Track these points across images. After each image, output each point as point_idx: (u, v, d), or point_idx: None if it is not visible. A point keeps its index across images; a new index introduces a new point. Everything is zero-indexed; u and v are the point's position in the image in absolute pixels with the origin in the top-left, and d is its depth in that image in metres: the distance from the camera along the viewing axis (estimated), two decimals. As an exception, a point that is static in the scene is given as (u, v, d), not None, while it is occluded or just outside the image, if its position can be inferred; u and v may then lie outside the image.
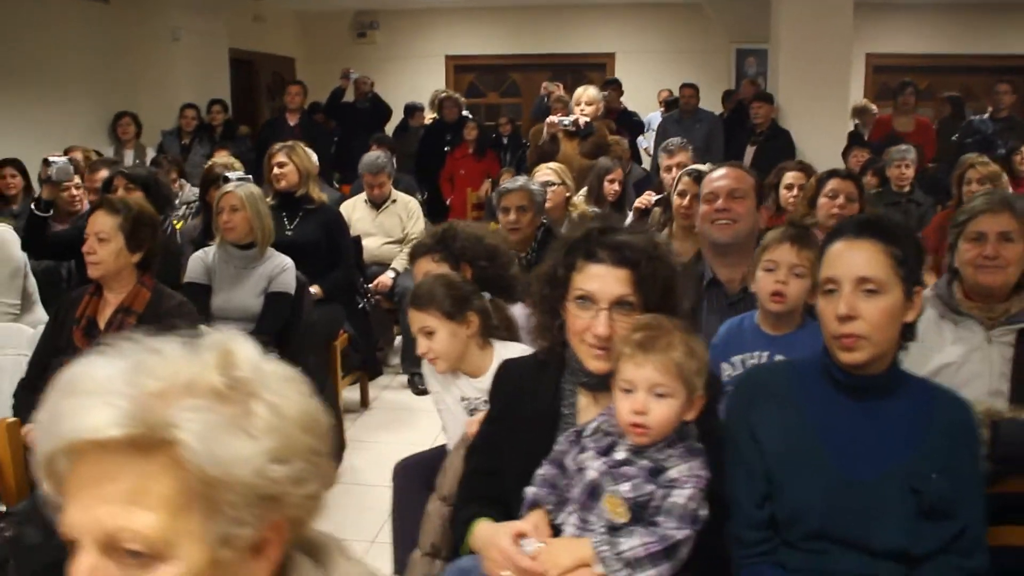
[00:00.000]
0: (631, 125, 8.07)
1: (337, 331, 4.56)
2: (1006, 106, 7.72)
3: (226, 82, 8.99)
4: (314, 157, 5.81)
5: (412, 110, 9.36)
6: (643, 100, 9.99)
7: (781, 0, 7.28)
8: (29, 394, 2.85)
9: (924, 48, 10.99)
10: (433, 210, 7.68)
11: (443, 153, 8.33)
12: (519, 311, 2.56)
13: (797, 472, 1.71)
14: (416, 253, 2.95)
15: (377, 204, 5.58)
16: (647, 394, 1.56)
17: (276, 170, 4.62)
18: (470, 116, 8.78)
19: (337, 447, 3.74)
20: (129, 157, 7.32)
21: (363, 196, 5.67)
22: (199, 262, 3.87)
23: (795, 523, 1.70)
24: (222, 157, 5.80)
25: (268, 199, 4.60)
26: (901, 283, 1.67)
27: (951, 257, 2.47)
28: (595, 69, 11.14)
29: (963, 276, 2.40)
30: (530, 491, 1.67)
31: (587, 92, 5.63)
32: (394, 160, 8.44)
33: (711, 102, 9.42)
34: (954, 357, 2.35)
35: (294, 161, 4.65)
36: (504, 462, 1.77)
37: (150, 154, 7.27)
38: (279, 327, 3.79)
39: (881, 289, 1.65)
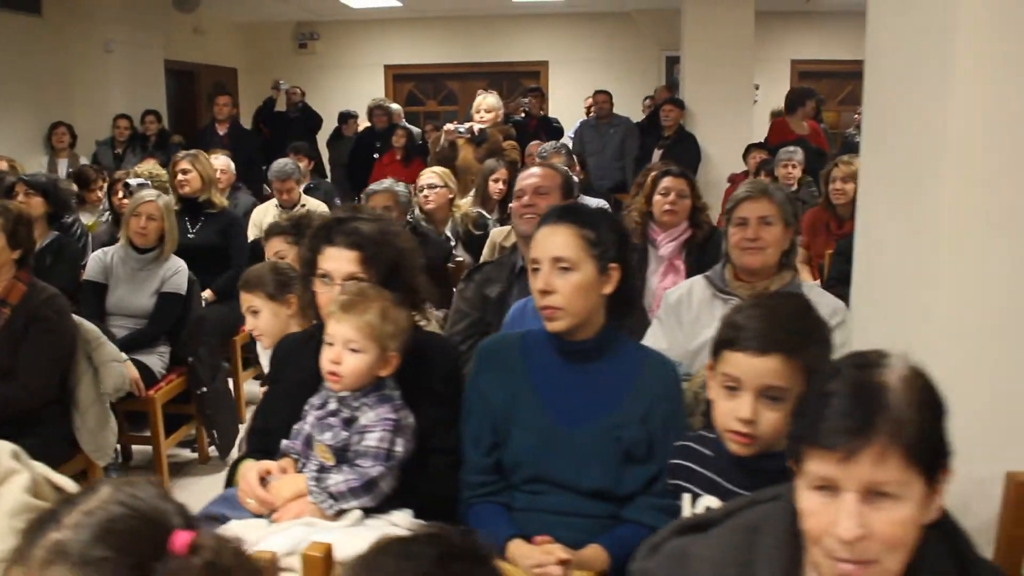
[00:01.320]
0: (550, 131, 8.40)
1: (238, 327, 4.84)
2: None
3: (161, 93, 9.24)
4: (231, 166, 6.14)
5: (346, 118, 9.65)
6: (576, 107, 10.35)
7: (688, 9, 7.65)
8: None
9: (848, 54, 11.39)
10: (363, 215, 7.97)
11: (373, 160, 8.63)
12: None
13: (518, 425, 2.01)
14: (270, 232, 3.25)
15: (287, 209, 5.85)
16: (342, 348, 1.88)
17: (180, 176, 4.90)
18: (403, 124, 9.07)
19: (232, 434, 4.02)
20: (63, 166, 7.59)
21: (275, 201, 5.95)
22: (98, 262, 4.13)
23: (517, 468, 2.01)
24: (147, 165, 6.08)
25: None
26: (593, 261, 1.97)
27: (725, 242, 2.79)
28: (529, 77, 11.48)
29: (732, 258, 2.73)
30: (284, 443, 1.98)
31: (485, 100, 5.95)
32: (320, 167, 8.77)
33: (639, 108, 9.81)
34: (719, 330, 2.68)
35: (197, 168, 4.93)
36: (277, 420, 2.08)
37: (83, 163, 7.52)
38: (170, 324, 4.09)
39: (573, 267, 1.96)
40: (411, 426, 1.93)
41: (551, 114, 9.41)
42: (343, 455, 1.88)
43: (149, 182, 4.81)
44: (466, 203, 4.96)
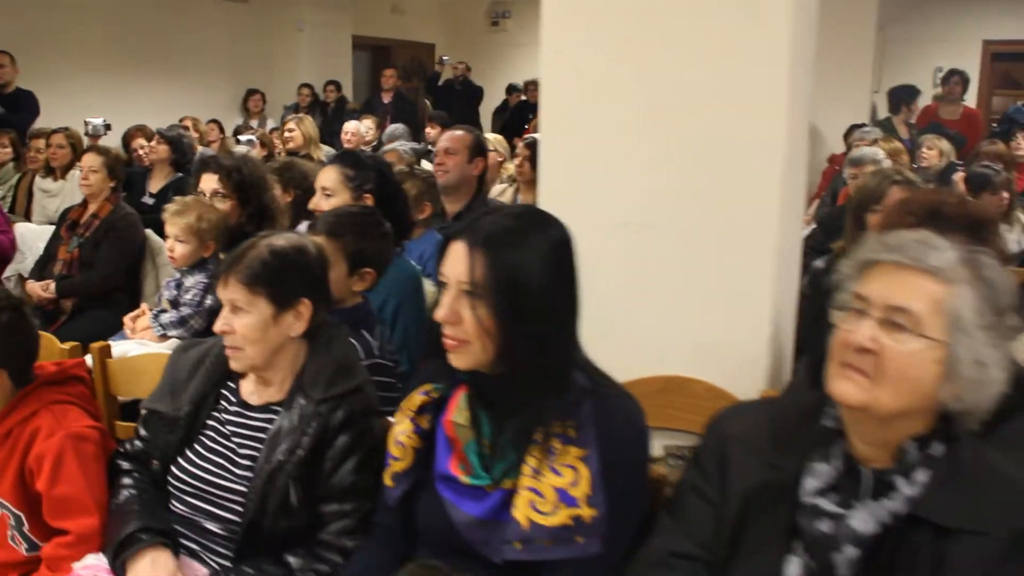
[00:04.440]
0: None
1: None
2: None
3: (347, 65, 10.62)
4: (360, 129, 7.25)
5: (512, 90, 10.58)
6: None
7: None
8: (39, 267, 4.41)
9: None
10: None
11: (524, 129, 9.49)
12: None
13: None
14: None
15: (398, 167, 6.90)
16: (174, 240, 2.80)
17: (286, 134, 6.06)
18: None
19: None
20: (255, 126, 9.14)
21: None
22: (200, 197, 5.36)
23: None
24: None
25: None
26: (349, 191, 2.77)
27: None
28: None
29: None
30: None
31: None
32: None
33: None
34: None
35: (301, 129, 6.07)
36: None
37: (270, 124, 9.02)
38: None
39: (333, 193, 2.77)
40: None
41: None
42: (175, 305, 2.86)
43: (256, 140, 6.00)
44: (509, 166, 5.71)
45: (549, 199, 2.29)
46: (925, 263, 1.26)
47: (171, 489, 1.86)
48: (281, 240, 1.85)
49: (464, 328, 1.46)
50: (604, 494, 1.43)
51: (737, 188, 2.09)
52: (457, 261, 1.47)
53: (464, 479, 1.53)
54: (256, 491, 1.76)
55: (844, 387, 1.27)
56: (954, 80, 8.11)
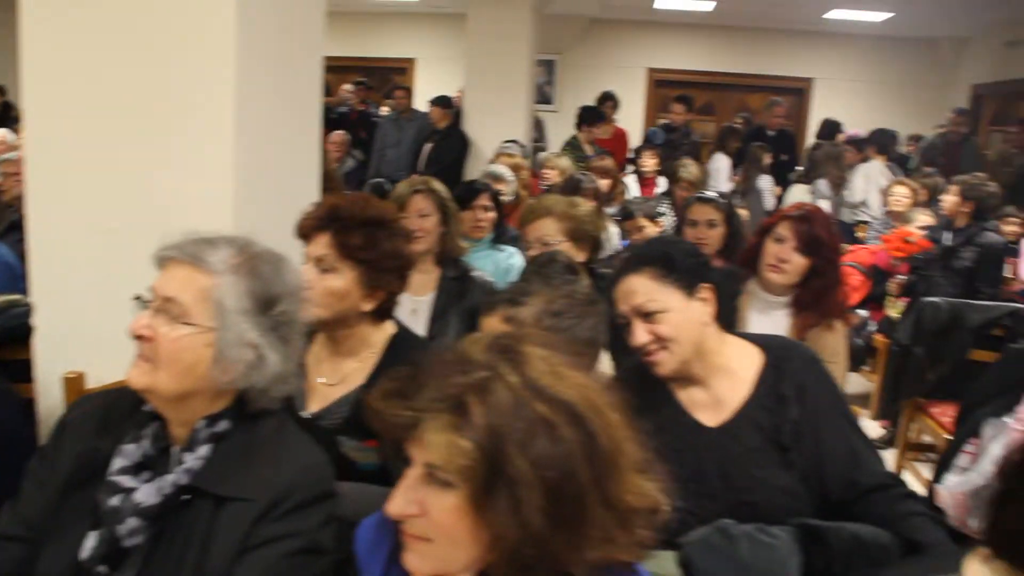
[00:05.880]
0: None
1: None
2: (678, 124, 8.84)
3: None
4: (8, 137, 6.81)
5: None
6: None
7: (471, 12, 8.14)
8: None
9: (703, 65, 11.86)
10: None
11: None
12: None
13: None
14: None
15: None
16: None
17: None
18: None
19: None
20: None
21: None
22: None
23: None
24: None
25: None
26: None
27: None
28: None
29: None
30: None
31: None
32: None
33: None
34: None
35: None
36: None
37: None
38: None
39: None
40: None
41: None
42: None
43: None
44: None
45: (36, 208, 2.31)
46: (197, 258, 1.42)
47: None
48: None
49: None
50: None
51: (191, 193, 2.21)
52: None
53: None
54: None
55: (131, 373, 1.41)
56: (608, 104, 8.87)
